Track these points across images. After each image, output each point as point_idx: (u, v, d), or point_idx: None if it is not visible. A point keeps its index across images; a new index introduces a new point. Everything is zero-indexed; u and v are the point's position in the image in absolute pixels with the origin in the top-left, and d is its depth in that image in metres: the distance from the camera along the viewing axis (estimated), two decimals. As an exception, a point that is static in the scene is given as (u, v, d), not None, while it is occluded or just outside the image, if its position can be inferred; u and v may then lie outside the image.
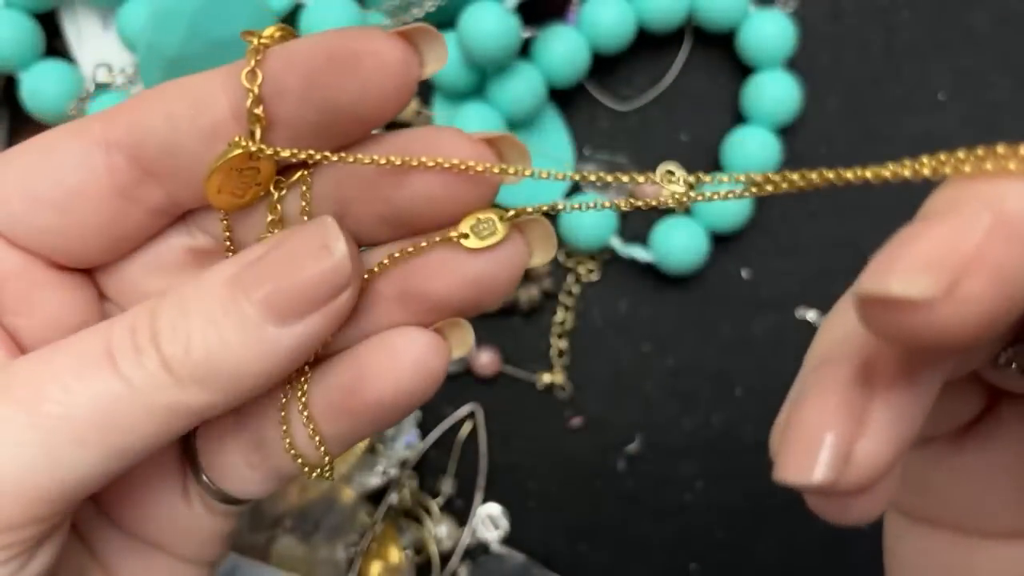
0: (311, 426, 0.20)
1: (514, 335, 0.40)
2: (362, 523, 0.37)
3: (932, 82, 0.40)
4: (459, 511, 0.39)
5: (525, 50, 0.37)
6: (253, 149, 0.18)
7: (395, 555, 0.38)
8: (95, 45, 0.37)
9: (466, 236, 0.18)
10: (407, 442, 0.38)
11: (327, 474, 0.21)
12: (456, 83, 0.36)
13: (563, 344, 0.39)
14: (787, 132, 0.39)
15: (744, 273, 0.40)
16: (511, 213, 0.18)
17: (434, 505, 0.38)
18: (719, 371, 0.40)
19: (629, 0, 0.38)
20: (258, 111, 0.17)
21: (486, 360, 0.39)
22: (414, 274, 0.19)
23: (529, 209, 0.18)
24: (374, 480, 0.38)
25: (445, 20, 0.35)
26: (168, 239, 0.21)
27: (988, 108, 0.40)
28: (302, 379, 0.20)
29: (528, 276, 0.39)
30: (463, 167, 0.17)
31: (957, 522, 0.21)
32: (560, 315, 0.39)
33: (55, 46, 0.37)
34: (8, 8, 0.35)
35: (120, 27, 0.36)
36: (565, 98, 0.39)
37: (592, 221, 0.38)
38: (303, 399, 0.20)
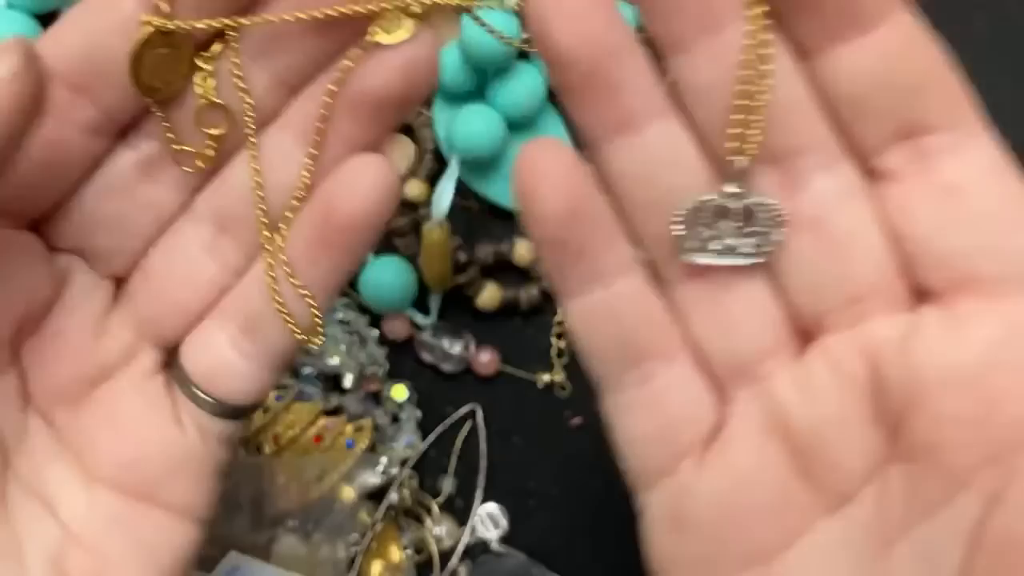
0: (289, 268, 0.21)
1: (514, 335, 0.40)
2: (362, 522, 0.37)
3: (931, 83, 0.40)
4: (459, 510, 0.39)
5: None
6: (164, 24, 0.19)
7: (396, 554, 0.38)
8: (96, 46, 0.37)
9: (379, 33, 0.20)
10: (407, 442, 0.38)
11: (319, 334, 0.22)
12: (456, 84, 0.36)
13: (563, 344, 0.40)
14: (786, 133, 0.39)
15: (743, 273, 0.40)
16: (417, 8, 0.20)
17: (434, 504, 0.39)
18: (718, 371, 0.40)
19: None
20: None
21: (486, 360, 0.39)
22: (353, 81, 0.20)
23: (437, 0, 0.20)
24: (374, 479, 0.38)
25: (445, 21, 0.35)
26: (114, 161, 0.21)
27: (987, 109, 0.40)
28: (280, 232, 0.21)
29: (528, 276, 0.39)
30: (377, 10, 0.20)
31: (723, 555, 0.21)
32: (560, 315, 0.40)
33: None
34: (10, 9, 0.35)
35: (121, 28, 0.36)
36: (565, 99, 0.39)
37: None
38: (282, 243, 0.21)
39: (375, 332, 0.39)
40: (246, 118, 0.21)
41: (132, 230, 0.22)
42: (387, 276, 0.37)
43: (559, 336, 0.40)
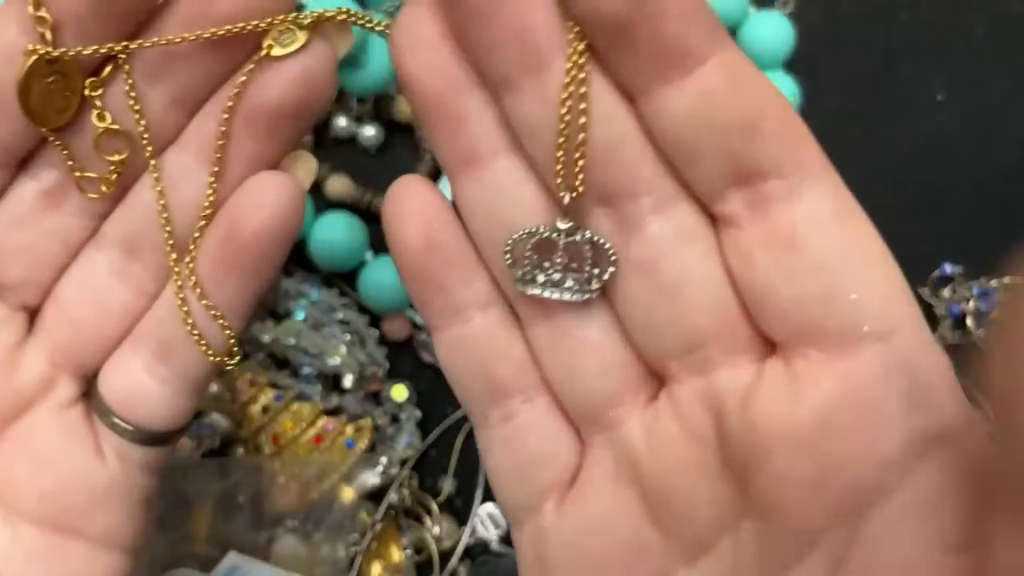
0: (199, 290, 0.21)
1: (514, 335, 0.40)
2: (362, 522, 0.37)
3: (931, 83, 0.40)
4: (459, 510, 0.39)
5: (525, 51, 0.37)
6: (49, 51, 0.19)
7: (396, 554, 0.38)
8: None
9: (271, 46, 0.20)
10: (407, 442, 0.38)
11: (234, 356, 0.22)
12: (456, 83, 0.36)
13: (563, 344, 0.40)
14: (786, 132, 0.39)
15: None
16: (308, 20, 0.20)
17: (434, 504, 0.39)
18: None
19: (629, 1, 0.38)
20: (42, 13, 0.18)
21: (486, 360, 0.39)
22: (249, 95, 0.20)
23: (326, 13, 0.20)
24: (374, 480, 0.38)
25: (445, 21, 0.35)
26: (16, 192, 0.21)
27: (986, 109, 0.40)
28: (189, 254, 0.21)
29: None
30: (266, 25, 0.20)
31: None
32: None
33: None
34: (9, 8, 0.35)
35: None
36: (565, 98, 0.39)
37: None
38: (191, 264, 0.21)
39: (375, 332, 0.39)
40: (144, 140, 0.21)
41: (40, 260, 0.22)
42: (387, 276, 0.37)
43: (559, 336, 0.40)
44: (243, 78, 0.20)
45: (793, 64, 0.39)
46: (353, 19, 0.20)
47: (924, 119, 0.40)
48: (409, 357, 0.39)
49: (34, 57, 0.19)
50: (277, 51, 0.20)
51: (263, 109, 0.20)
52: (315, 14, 0.20)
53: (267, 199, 0.21)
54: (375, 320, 0.39)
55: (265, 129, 0.21)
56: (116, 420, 0.22)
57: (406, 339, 0.39)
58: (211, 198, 0.21)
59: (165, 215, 0.21)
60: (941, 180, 0.40)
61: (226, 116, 0.20)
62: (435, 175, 0.38)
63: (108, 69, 0.20)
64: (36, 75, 0.19)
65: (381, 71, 0.35)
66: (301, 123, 0.21)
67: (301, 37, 0.20)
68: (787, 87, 0.38)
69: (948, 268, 0.39)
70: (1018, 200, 0.40)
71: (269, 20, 0.19)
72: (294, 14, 0.20)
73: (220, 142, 0.20)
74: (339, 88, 0.36)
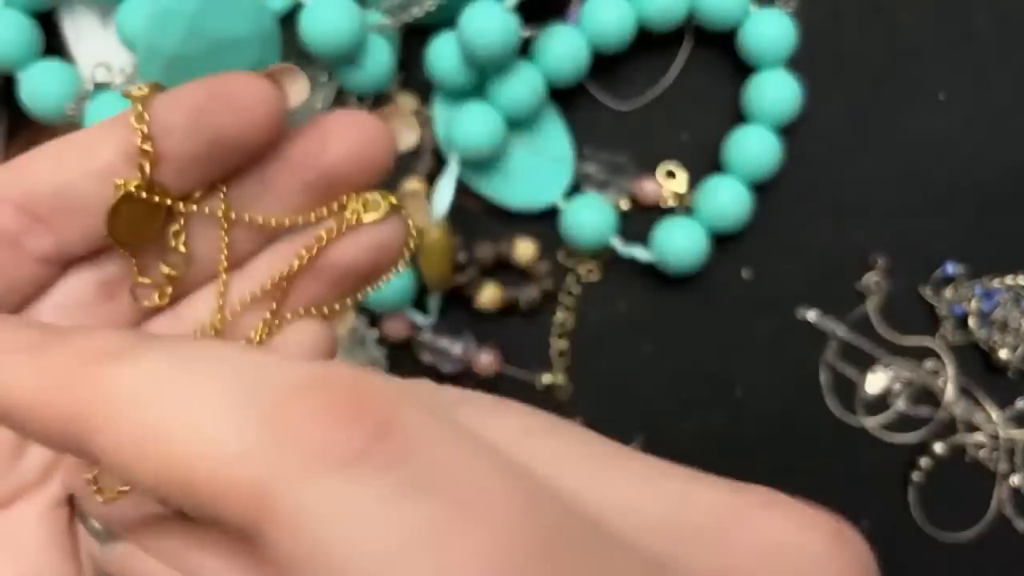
0: None
1: (514, 335, 0.40)
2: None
3: (933, 82, 0.40)
4: (459, 511, 0.39)
5: (525, 50, 0.37)
6: (140, 187, 0.19)
7: (395, 555, 0.38)
8: (94, 44, 0.37)
9: (357, 212, 0.21)
10: (407, 442, 0.38)
11: None
12: (456, 83, 0.36)
13: (563, 344, 0.39)
14: (788, 132, 0.39)
15: (744, 273, 0.40)
16: (392, 196, 0.21)
17: (434, 505, 0.38)
18: (719, 371, 0.40)
19: (629, -1, 0.37)
20: (147, 147, 0.19)
21: (486, 361, 0.39)
22: (325, 253, 0.21)
23: (412, 189, 0.21)
24: (374, 480, 0.38)
25: (445, 19, 0.35)
26: (78, 274, 0.21)
27: (989, 108, 0.40)
28: None
29: (528, 276, 0.39)
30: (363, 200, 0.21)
31: None
32: (560, 315, 0.39)
33: (51, 43, 0.37)
34: (7, 8, 0.35)
35: (119, 26, 0.36)
36: (565, 98, 0.39)
37: (593, 221, 0.38)
38: None
39: (375, 332, 0.38)
40: (223, 265, 0.21)
41: None
42: (386, 276, 0.37)
43: (559, 336, 0.40)
44: (322, 232, 0.21)
45: (795, 63, 0.38)
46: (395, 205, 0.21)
47: (926, 119, 0.40)
48: (409, 357, 0.39)
49: (126, 191, 0.19)
50: (368, 217, 0.21)
51: (334, 266, 0.21)
52: (405, 193, 0.21)
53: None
54: (375, 320, 0.39)
55: (331, 283, 0.22)
56: (94, 525, 0.21)
57: (406, 339, 0.39)
58: (262, 333, 0.22)
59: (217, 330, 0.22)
60: (943, 180, 0.40)
61: (298, 262, 0.21)
62: (433, 174, 0.38)
63: (200, 194, 0.21)
64: (125, 203, 0.19)
65: (381, 71, 0.35)
66: (364, 285, 0.22)
67: (384, 204, 0.21)
68: (788, 86, 0.38)
69: (950, 268, 0.39)
70: (1021, 200, 0.40)
71: (364, 196, 0.21)
72: (381, 191, 0.21)
73: (284, 282, 0.21)
74: (339, 88, 0.36)
